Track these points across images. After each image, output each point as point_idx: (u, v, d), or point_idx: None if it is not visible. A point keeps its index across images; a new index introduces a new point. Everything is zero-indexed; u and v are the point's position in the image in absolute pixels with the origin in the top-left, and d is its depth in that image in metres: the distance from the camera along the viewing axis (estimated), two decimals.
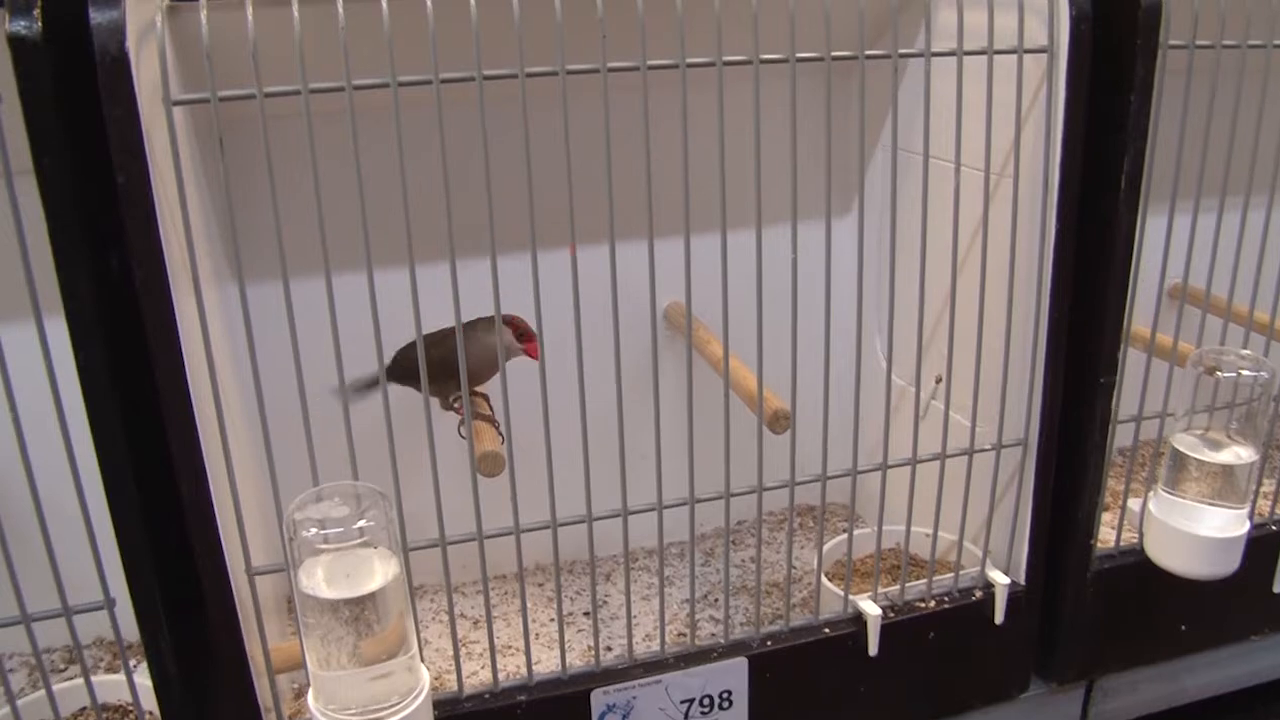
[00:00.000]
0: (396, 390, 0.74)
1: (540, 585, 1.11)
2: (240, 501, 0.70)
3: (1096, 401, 0.87)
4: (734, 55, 0.71)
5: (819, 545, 0.92)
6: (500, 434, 0.81)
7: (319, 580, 0.63)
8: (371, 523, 0.64)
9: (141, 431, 0.67)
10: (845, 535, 0.99)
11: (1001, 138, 0.81)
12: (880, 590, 0.90)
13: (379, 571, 0.64)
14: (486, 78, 0.65)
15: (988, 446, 0.88)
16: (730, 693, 0.85)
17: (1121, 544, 0.95)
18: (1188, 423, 0.86)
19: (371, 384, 0.85)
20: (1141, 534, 0.90)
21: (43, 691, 0.72)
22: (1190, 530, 0.84)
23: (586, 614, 1.05)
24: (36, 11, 0.59)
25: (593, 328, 0.74)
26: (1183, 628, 1.00)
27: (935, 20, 0.81)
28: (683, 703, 0.84)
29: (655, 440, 0.78)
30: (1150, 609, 0.98)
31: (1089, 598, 0.94)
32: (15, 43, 0.58)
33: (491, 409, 0.92)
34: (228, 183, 0.64)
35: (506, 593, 1.11)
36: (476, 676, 0.94)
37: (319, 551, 0.63)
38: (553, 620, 1.02)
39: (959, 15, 0.76)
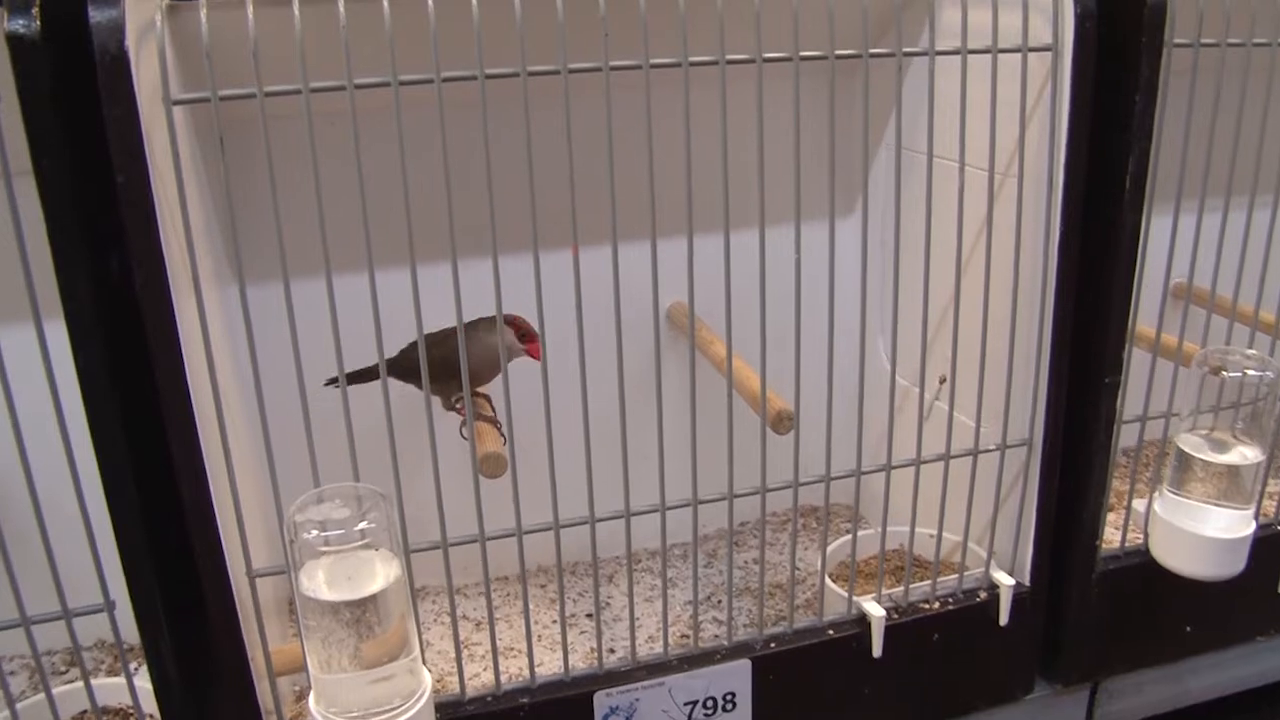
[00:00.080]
0: (397, 391, 0.74)
1: (543, 587, 1.11)
2: (241, 503, 0.69)
3: (1101, 401, 0.87)
4: (737, 54, 0.71)
5: (823, 546, 0.91)
6: (502, 435, 0.81)
7: (320, 582, 0.63)
8: (373, 524, 0.63)
9: (141, 433, 0.67)
10: (849, 536, 0.98)
11: (1006, 137, 0.81)
12: (884, 591, 0.90)
13: (380, 573, 0.64)
14: (488, 76, 0.65)
15: (992, 447, 0.88)
16: (734, 695, 0.85)
17: (1126, 545, 0.94)
18: (1193, 423, 0.85)
19: (371, 374, 0.84)
20: (1146, 535, 0.89)
21: (43, 694, 0.71)
22: (1195, 531, 0.84)
23: (589, 616, 1.05)
24: (35, 10, 0.58)
25: (595, 328, 0.73)
26: (1188, 629, 1.00)
27: (939, 18, 0.81)
28: (686, 705, 0.84)
29: (658, 441, 0.77)
30: (1155, 610, 0.97)
31: (1094, 599, 0.94)
32: (14, 41, 0.58)
33: (493, 410, 0.92)
34: (228, 183, 0.64)
35: (509, 594, 1.10)
36: (479, 679, 0.94)
37: (320, 553, 0.63)
38: (555, 622, 1.02)
39: (963, 13, 0.76)
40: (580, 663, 0.85)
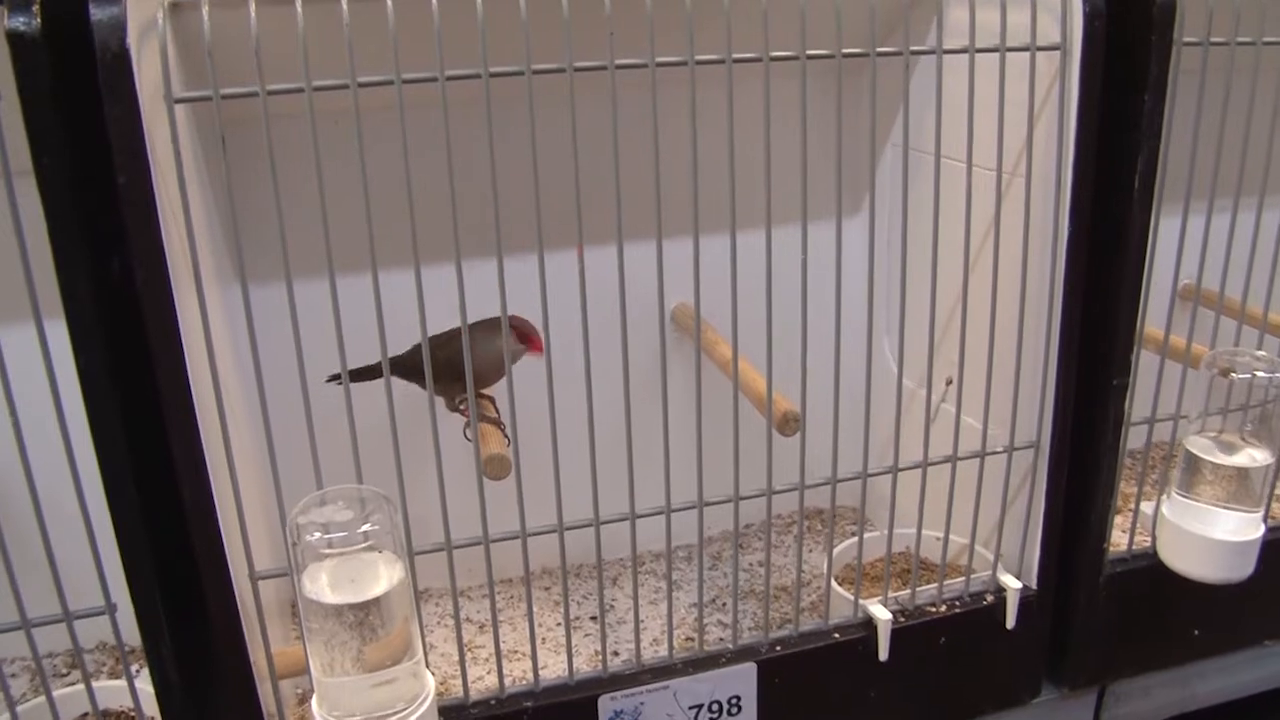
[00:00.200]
0: (401, 392, 0.73)
1: (547, 589, 1.11)
2: (243, 505, 0.69)
3: (1109, 403, 0.87)
4: (743, 52, 0.70)
5: (828, 549, 0.91)
6: (506, 437, 0.81)
7: (323, 585, 0.63)
8: (376, 526, 0.63)
9: (143, 434, 0.67)
10: (855, 539, 0.98)
11: (1014, 136, 0.80)
12: (890, 594, 0.89)
13: (383, 576, 0.64)
14: (493, 75, 0.65)
15: (999, 449, 0.87)
16: (739, 698, 0.85)
17: (1134, 548, 0.94)
18: (1201, 425, 0.85)
19: (374, 371, 0.83)
20: (1154, 538, 0.89)
21: (44, 697, 0.71)
22: (1204, 534, 0.83)
23: (593, 618, 1.05)
24: (36, 7, 0.58)
25: (600, 329, 0.73)
26: (1196, 632, 1.00)
27: (947, 17, 0.80)
28: (691, 708, 0.84)
29: (663, 443, 0.77)
30: (1163, 614, 0.97)
31: (1101, 602, 0.93)
32: (14, 39, 0.57)
33: (497, 411, 0.91)
34: (230, 182, 0.64)
35: (512, 597, 1.10)
36: (482, 682, 0.93)
37: (323, 556, 0.63)
38: (559, 625, 1.01)
39: (971, 12, 0.75)
40: (584, 666, 0.85)
